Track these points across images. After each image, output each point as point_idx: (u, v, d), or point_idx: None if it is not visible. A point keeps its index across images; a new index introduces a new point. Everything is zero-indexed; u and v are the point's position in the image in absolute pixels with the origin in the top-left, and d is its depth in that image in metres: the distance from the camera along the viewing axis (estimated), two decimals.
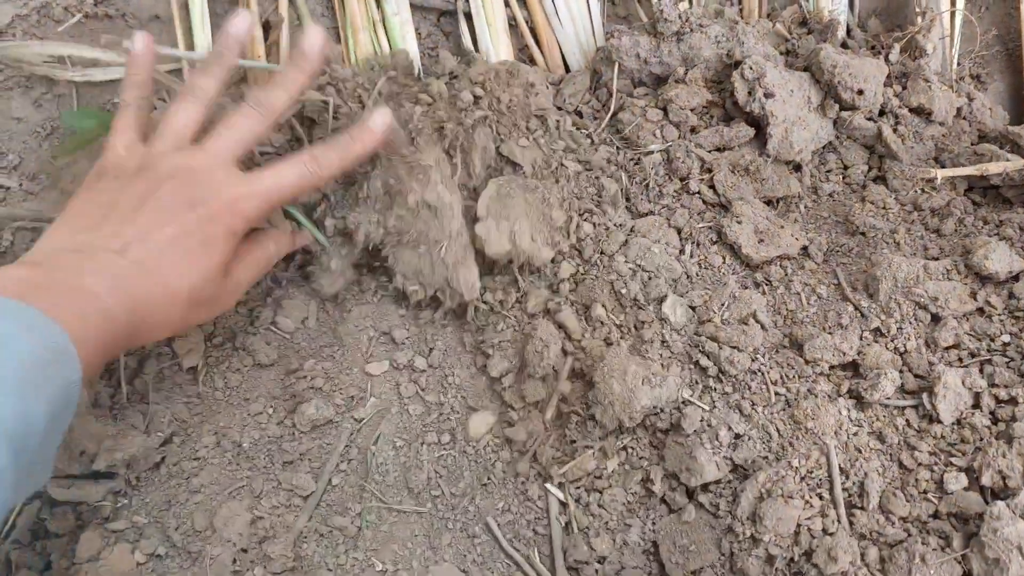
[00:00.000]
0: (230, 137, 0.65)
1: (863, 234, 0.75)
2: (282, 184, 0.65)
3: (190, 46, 0.88)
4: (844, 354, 0.67)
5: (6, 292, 0.52)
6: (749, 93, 0.78)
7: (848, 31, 0.89)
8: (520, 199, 0.73)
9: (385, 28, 0.88)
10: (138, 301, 0.58)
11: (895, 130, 0.79)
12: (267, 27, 0.90)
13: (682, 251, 0.76)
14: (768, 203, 0.79)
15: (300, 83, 0.67)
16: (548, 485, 0.71)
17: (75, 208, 0.63)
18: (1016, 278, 0.65)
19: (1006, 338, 0.63)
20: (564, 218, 0.75)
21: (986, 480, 0.59)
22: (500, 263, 0.74)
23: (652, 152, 0.80)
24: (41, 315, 0.51)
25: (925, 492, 0.62)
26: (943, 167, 0.76)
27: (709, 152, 0.80)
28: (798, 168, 0.80)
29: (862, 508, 0.63)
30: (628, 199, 0.79)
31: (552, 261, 0.75)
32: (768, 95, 0.77)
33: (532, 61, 0.90)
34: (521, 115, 0.77)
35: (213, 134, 0.65)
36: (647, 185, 0.79)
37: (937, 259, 0.69)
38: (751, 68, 0.78)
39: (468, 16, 0.89)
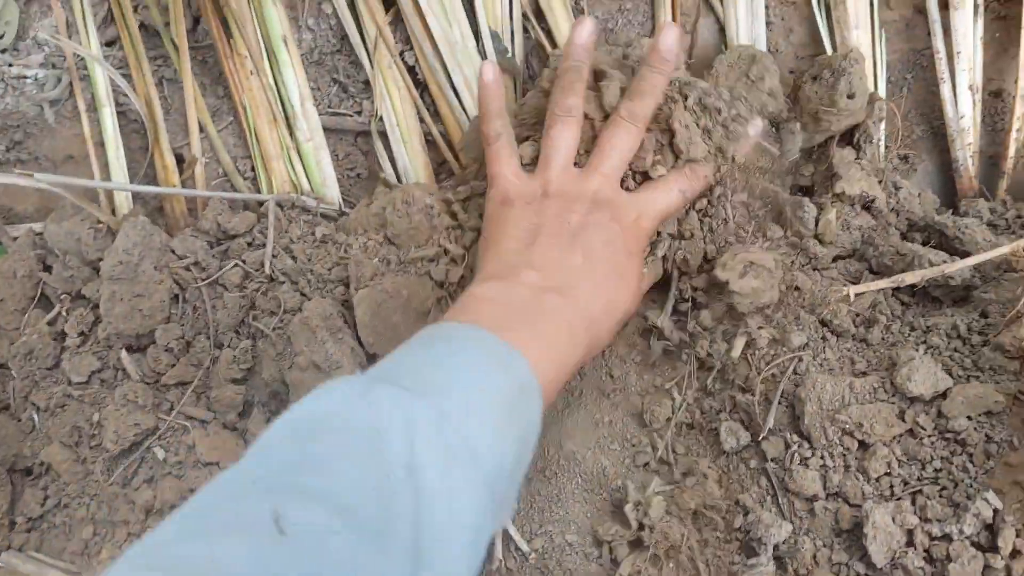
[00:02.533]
0: (616, 157, 0.66)
1: None
2: (671, 202, 0.67)
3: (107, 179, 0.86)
4: None
5: (482, 323, 0.54)
6: None
7: None
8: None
9: (300, 155, 0.86)
10: (588, 335, 0.59)
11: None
12: (180, 159, 0.88)
13: None
14: None
15: (661, 86, 0.67)
16: None
17: (496, 238, 0.66)
18: (944, 395, 0.61)
19: (937, 464, 0.59)
20: None
21: None
22: None
23: None
24: (515, 352, 0.52)
25: None
26: (868, 267, 0.72)
27: None
28: None
29: None
30: None
31: None
32: None
33: (452, 174, 0.88)
34: (424, 237, 0.75)
35: (600, 155, 0.66)
36: None
37: (865, 375, 0.65)
38: None
39: (384, 135, 0.87)
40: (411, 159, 0.86)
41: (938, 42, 0.81)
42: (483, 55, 0.86)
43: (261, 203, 0.83)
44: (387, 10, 0.85)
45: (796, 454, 0.63)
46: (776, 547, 0.61)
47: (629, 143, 0.66)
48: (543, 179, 0.66)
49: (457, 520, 0.43)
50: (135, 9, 0.87)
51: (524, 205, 0.66)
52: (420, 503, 0.41)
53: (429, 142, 0.87)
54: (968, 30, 0.79)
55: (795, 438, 0.64)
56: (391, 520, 0.40)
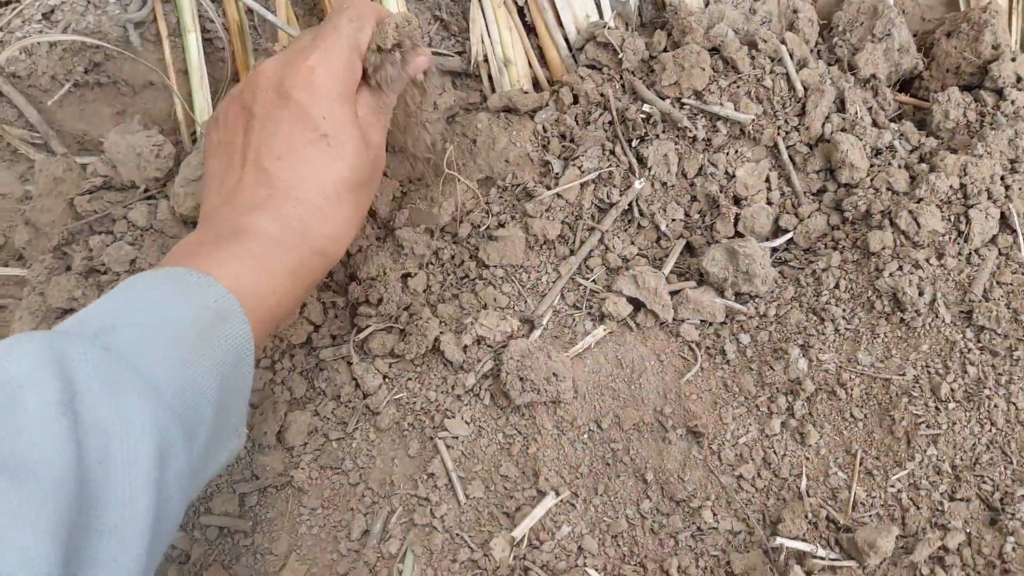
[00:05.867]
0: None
1: None
2: (339, 43, 0.59)
3: (189, 109, 0.82)
4: None
5: (172, 262, 0.51)
6: None
7: None
8: None
9: None
10: (301, 217, 0.55)
11: None
12: None
13: None
14: None
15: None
16: None
17: (209, 165, 0.61)
18: None
19: None
20: None
21: None
22: None
23: None
24: (197, 275, 0.49)
25: None
26: None
27: None
28: None
29: None
30: None
31: None
32: None
33: None
34: None
35: None
36: None
37: None
38: None
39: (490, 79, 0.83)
40: None
41: None
42: None
43: None
44: None
45: None
46: None
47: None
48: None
49: (134, 447, 0.42)
50: None
51: (223, 126, 0.62)
52: (81, 437, 0.40)
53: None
54: None
55: None
56: (30, 466, 0.38)
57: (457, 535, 0.65)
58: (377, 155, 0.61)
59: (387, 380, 0.71)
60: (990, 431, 0.64)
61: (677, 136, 0.74)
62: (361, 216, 0.61)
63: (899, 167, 0.72)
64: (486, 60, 0.83)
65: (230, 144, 0.59)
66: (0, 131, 0.82)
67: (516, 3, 0.82)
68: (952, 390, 0.65)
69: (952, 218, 0.69)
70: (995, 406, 0.64)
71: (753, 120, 0.73)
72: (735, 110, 0.73)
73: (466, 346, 0.69)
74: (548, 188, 0.74)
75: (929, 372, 0.66)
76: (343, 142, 0.57)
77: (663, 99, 0.74)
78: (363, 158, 0.59)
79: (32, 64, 0.82)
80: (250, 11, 0.84)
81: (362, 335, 0.72)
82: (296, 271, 0.55)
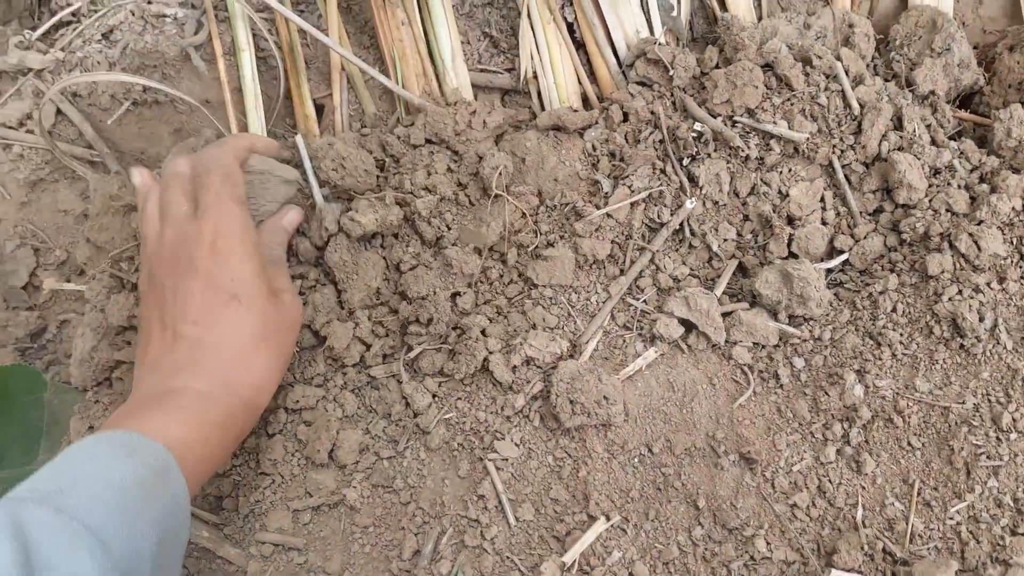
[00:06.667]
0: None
1: None
2: (226, 205, 0.64)
3: (243, 128, 0.83)
4: None
5: (109, 426, 0.55)
6: None
7: None
8: None
9: None
10: (224, 372, 0.60)
11: None
12: (319, 109, 0.85)
13: None
14: None
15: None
16: None
17: (139, 338, 0.66)
18: None
19: None
20: None
21: None
22: None
23: None
24: (136, 436, 0.53)
25: None
26: None
27: None
28: None
29: None
30: None
31: None
32: None
33: None
34: None
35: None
36: None
37: None
38: None
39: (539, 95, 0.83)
40: None
41: None
42: (646, 12, 0.81)
43: None
44: None
45: None
46: None
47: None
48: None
49: None
50: None
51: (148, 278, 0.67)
52: None
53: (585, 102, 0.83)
54: None
55: None
56: None
57: (507, 558, 0.66)
58: (287, 299, 0.66)
59: (436, 399, 0.71)
60: None
61: (729, 155, 0.74)
62: (283, 360, 0.66)
63: (959, 187, 0.71)
64: (535, 77, 0.82)
65: (149, 318, 0.64)
66: (59, 150, 0.84)
67: (565, 19, 0.82)
68: (1014, 419, 0.63)
69: (1014, 241, 0.67)
70: None
71: (807, 138, 0.72)
72: (789, 128, 0.72)
73: (515, 367, 0.70)
74: (597, 207, 0.74)
75: (990, 400, 0.65)
76: (253, 297, 0.62)
77: (715, 117, 0.74)
78: (274, 308, 0.64)
79: (92, 84, 0.84)
80: (302, 31, 0.84)
81: (412, 354, 0.72)
82: (224, 423, 0.59)
